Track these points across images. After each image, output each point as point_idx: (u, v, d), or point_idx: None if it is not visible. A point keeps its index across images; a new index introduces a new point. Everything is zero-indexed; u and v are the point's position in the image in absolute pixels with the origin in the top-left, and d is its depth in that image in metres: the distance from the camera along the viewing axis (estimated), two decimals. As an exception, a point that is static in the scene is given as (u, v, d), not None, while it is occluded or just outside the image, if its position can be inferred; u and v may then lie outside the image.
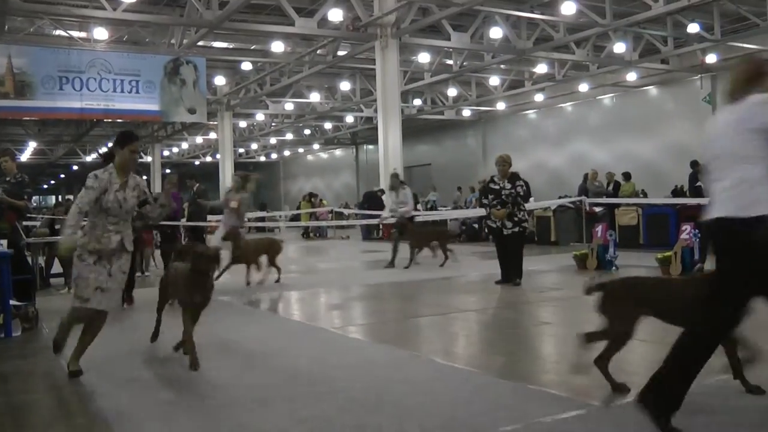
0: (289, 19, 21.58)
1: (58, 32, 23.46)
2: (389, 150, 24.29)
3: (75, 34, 23.48)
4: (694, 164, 21.18)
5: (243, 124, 46.34)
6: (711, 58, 27.24)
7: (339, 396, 5.44)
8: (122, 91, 23.80)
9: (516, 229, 12.29)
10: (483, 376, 6.00)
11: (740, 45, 25.74)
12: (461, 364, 6.55)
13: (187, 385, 5.99)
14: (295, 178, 64.18)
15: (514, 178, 12.39)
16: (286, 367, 6.58)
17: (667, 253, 13.19)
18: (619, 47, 26.15)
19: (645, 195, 25.14)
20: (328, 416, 4.97)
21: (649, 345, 6.75)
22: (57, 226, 15.35)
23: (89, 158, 56.52)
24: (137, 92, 24.04)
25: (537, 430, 4.51)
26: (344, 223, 32.70)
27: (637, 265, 14.84)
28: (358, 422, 4.84)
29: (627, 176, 24.48)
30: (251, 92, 34.57)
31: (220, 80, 32.13)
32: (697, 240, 12.76)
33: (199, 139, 50.24)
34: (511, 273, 12.31)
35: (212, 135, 45.77)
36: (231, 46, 28.22)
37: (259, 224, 34.79)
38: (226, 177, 39.44)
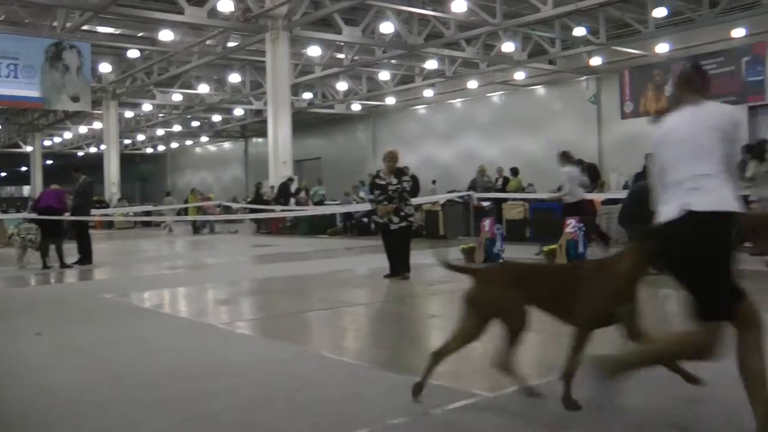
0: (178, 7, 21.19)
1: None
2: (279, 143, 24.17)
3: (-55, 11, 22.47)
4: (579, 162, 21.71)
5: (129, 114, 45.30)
6: (596, 61, 28.08)
7: (226, 393, 5.34)
8: (-1, 75, 22.65)
9: (402, 224, 12.30)
10: (372, 369, 6.01)
11: (624, 50, 26.69)
12: (350, 358, 6.53)
13: (67, 390, 5.76)
14: (182, 171, 63.14)
15: (400, 173, 12.41)
16: (171, 365, 6.42)
17: (553, 246, 13.53)
18: (508, 47, 26.65)
19: (533, 189, 25.59)
20: (215, 414, 4.87)
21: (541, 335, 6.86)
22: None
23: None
24: (15, 77, 22.89)
25: (426, 422, 4.53)
26: (233, 217, 32.30)
27: (523, 257, 15.15)
28: (246, 419, 4.76)
29: (515, 172, 24.94)
30: (138, 81, 33.84)
31: (105, 67, 31.30)
32: (582, 233, 13.15)
33: (83, 129, 48.78)
34: (399, 267, 12.34)
35: (97, 125, 44.45)
36: (117, 32, 27.47)
37: (145, 218, 34.06)
38: (111, 169, 38.54)
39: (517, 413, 4.63)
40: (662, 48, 25.69)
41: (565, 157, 15.24)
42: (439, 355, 4.90)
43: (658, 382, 4.89)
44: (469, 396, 5.02)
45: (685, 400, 4.78)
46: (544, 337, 6.72)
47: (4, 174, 64.95)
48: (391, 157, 12.58)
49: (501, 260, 14.36)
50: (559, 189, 16.48)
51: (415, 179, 25.62)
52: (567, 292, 4.66)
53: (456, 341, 4.91)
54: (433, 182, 31.62)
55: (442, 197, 23.02)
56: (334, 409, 4.88)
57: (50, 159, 62.37)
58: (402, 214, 12.26)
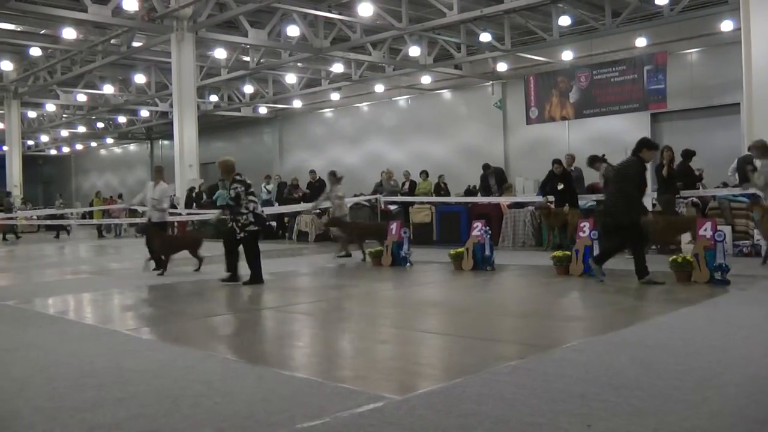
0: (81, 4, 20.74)
1: None
2: (185, 146, 23.90)
3: None
4: (486, 167, 22.10)
5: (32, 114, 44.09)
6: (502, 67, 28.56)
7: (132, 400, 5.26)
8: None
9: (242, 235, 12.23)
10: (279, 373, 5.98)
11: (529, 56, 27.26)
12: (257, 363, 6.50)
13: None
14: (87, 173, 61.72)
15: (233, 182, 12.37)
16: (75, 373, 6.26)
17: (460, 249, 13.70)
18: (415, 51, 26.88)
19: (446, 188, 25.70)
20: (120, 423, 4.78)
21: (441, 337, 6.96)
22: None
23: None
24: None
25: (335, 425, 4.54)
26: (138, 220, 31.73)
27: (430, 260, 15.32)
28: (151, 427, 4.69)
29: (425, 174, 25.17)
30: (41, 80, 32.98)
31: (6, 65, 30.41)
32: (488, 236, 13.33)
33: (-17, 129, 47.26)
34: (252, 274, 12.25)
35: (-2, 125, 43.18)
36: (19, 29, 26.71)
37: (49, 222, 33.21)
38: (14, 170, 37.45)
39: (426, 416, 4.68)
40: (566, 55, 26.32)
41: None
42: None
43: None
44: (378, 399, 5.04)
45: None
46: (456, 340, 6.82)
47: None
48: (220, 167, 12.80)
49: (409, 264, 14.49)
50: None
51: (322, 183, 25.81)
52: None
53: None
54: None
55: (349, 201, 23.06)
56: (241, 414, 4.85)
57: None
58: (239, 224, 12.16)
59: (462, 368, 5.90)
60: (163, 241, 14.50)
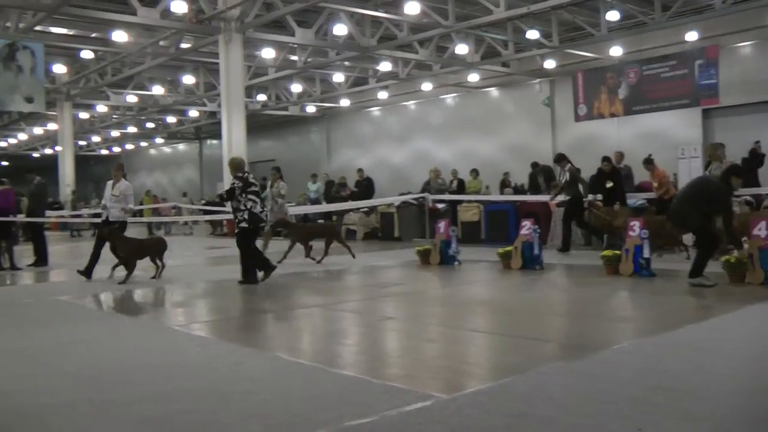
0: (131, 7, 20.97)
1: None
2: (233, 145, 24.04)
3: None
4: (534, 165, 21.96)
5: (84, 115, 44.71)
6: (549, 64, 28.29)
7: (181, 395, 5.32)
8: (-49, 75, 22.22)
9: (236, 230, 12.39)
10: (328, 371, 5.99)
11: (577, 52, 26.93)
12: (306, 360, 6.53)
13: (21, 393, 5.68)
14: (137, 173, 62.44)
15: (235, 177, 12.42)
16: (127, 368, 6.36)
17: (508, 248, 13.61)
18: (462, 49, 26.73)
19: (488, 191, 25.78)
20: (169, 416, 4.85)
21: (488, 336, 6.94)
22: None
23: None
24: (-32, 77, 22.50)
25: (382, 424, 4.54)
26: (188, 218, 32.20)
27: (478, 259, 15.26)
28: (201, 422, 4.74)
29: (475, 173, 25.08)
30: (92, 82, 33.41)
31: (59, 68, 30.82)
32: (537, 235, 13.22)
33: (38, 130, 48.06)
34: (245, 272, 12.32)
35: (51, 126, 43.86)
36: (71, 33, 27.10)
37: (97, 220, 33.73)
38: (66, 170, 38.06)
39: (473, 415, 4.66)
40: (615, 51, 25.94)
41: None
42: None
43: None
44: (426, 398, 5.03)
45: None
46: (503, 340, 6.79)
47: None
48: (229, 165, 12.90)
49: (457, 262, 14.45)
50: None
51: (370, 182, 25.87)
52: None
53: None
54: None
55: (397, 199, 23.07)
56: (289, 411, 4.88)
57: (5, 160, 61.39)
58: (236, 219, 12.30)
59: (510, 368, 5.87)
60: (128, 245, 13.37)
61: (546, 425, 4.39)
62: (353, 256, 15.49)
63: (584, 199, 16.66)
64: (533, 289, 11.34)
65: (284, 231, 16.41)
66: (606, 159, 16.99)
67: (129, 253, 13.05)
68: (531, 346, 6.88)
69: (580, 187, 16.70)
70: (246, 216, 12.11)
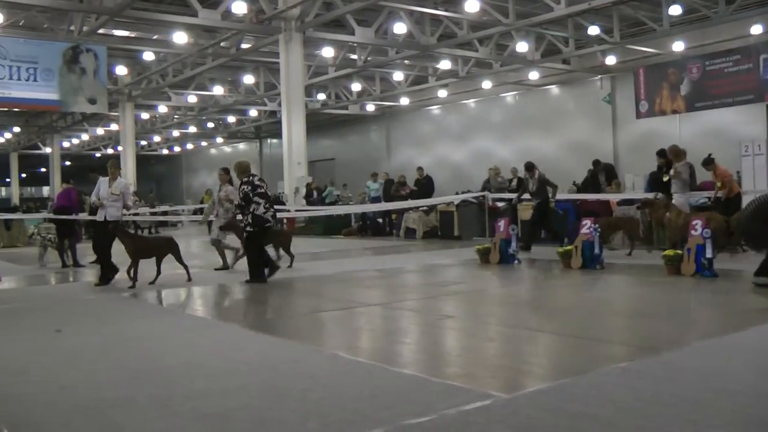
0: (192, 9, 21.27)
1: (-52, 15, 22.62)
2: (293, 144, 24.21)
3: (-33, 18, 22.65)
4: (596, 163, 21.71)
5: (145, 115, 45.47)
6: (610, 60, 27.95)
7: (240, 392, 5.36)
8: (19, 79, 22.82)
9: (243, 234, 12.61)
10: (386, 369, 6.00)
11: (638, 48, 26.55)
12: (364, 358, 6.53)
13: (85, 387, 5.79)
14: (197, 172, 63.27)
15: (242, 182, 12.56)
16: (186, 363, 6.44)
17: (568, 247, 13.47)
18: (522, 46, 26.59)
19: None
20: (228, 413, 4.89)
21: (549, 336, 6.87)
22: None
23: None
24: (35, 80, 23.07)
25: (441, 423, 4.52)
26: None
27: (538, 258, 15.15)
28: (259, 418, 4.78)
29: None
30: (153, 83, 33.95)
31: (121, 70, 31.38)
32: (597, 234, 13.05)
33: (100, 131, 49.04)
34: (252, 273, 12.44)
35: (113, 126, 44.74)
36: (132, 35, 27.61)
37: (162, 218, 34.31)
38: (128, 169, 38.69)
39: (533, 415, 4.62)
40: (677, 46, 25.51)
41: None
42: None
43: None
44: (485, 397, 5.00)
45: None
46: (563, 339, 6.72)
47: (24, 175, 65.47)
48: (235, 169, 13.06)
49: (517, 261, 14.35)
50: None
51: (429, 180, 25.83)
52: None
53: None
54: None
55: (456, 198, 23.00)
56: (347, 409, 4.88)
57: (68, 160, 62.71)
58: (243, 224, 12.55)
59: (570, 368, 5.81)
60: (135, 243, 12.69)
61: (606, 427, 4.33)
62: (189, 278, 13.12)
63: (551, 200, 17.51)
64: (593, 288, 11.21)
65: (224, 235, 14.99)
66: (660, 153, 16.72)
67: (132, 252, 12.36)
68: (591, 347, 6.81)
69: (549, 190, 17.37)
70: (250, 219, 12.33)
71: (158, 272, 12.48)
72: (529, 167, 17.66)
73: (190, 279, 12.64)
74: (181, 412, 4.98)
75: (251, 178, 12.52)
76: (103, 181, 13.10)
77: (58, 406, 5.24)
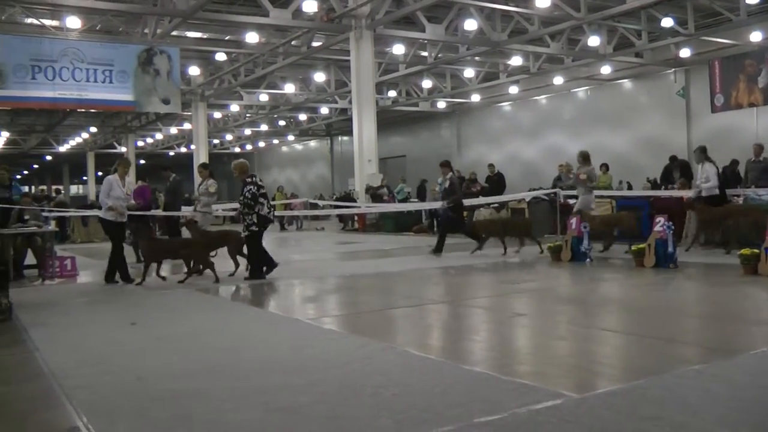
0: (263, 9, 21.53)
1: (29, 20, 23.26)
2: (364, 141, 24.33)
3: (47, 22, 23.29)
4: (673, 159, 21.34)
5: (217, 114, 46.21)
6: (685, 52, 27.41)
7: (313, 387, 5.43)
8: (95, 81, 23.50)
9: (246, 233, 12.69)
10: (457, 367, 6.01)
11: (714, 39, 25.95)
12: (435, 356, 6.56)
13: (160, 378, 5.94)
14: (269, 170, 64.00)
15: (244, 183, 12.70)
16: (259, 358, 6.56)
17: (641, 245, 13.26)
18: (594, 41, 26.27)
19: (630, 186, 25.23)
20: (302, 407, 4.96)
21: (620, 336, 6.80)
22: (26, 217, 15.26)
23: (62, 148, 56.15)
24: (110, 82, 23.75)
25: (512, 421, 4.52)
26: (319, 213, 32.81)
27: (611, 256, 14.98)
28: (332, 413, 4.83)
29: (605, 168, 24.59)
30: (225, 83, 34.45)
31: (194, 70, 31.96)
32: (671, 232, 12.82)
33: (173, 130, 50.06)
34: (252, 269, 12.73)
35: (186, 125, 45.58)
36: (205, 36, 28.11)
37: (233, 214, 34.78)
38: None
39: (605, 416, 4.59)
40: (755, 36, 24.87)
41: None
42: None
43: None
44: (556, 396, 4.98)
45: None
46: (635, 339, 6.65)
47: (100, 173, 67.09)
48: (235, 168, 13.09)
49: (589, 260, 14.20)
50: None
51: (501, 177, 25.69)
52: None
53: None
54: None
55: (527, 195, 22.84)
56: (419, 406, 4.91)
57: (143, 159, 63.99)
58: (245, 223, 12.62)
59: (643, 369, 5.74)
60: (151, 244, 12.91)
61: (679, 431, 4.28)
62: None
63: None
64: (667, 288, 11.03)
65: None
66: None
67: (149, 253, 12.77)
68: (665, 348, 6.71)
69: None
70: (255, 219, 12.53)
71: (236, 265, 13.09)
72: (445, 165, 17.39)
73: (233, 274, 13.00)
74: (254, 404, 5.07)
75: (254, 178, 12.86)
76: (115, 181, 13.56)
77: (134, 395, 5.40)
